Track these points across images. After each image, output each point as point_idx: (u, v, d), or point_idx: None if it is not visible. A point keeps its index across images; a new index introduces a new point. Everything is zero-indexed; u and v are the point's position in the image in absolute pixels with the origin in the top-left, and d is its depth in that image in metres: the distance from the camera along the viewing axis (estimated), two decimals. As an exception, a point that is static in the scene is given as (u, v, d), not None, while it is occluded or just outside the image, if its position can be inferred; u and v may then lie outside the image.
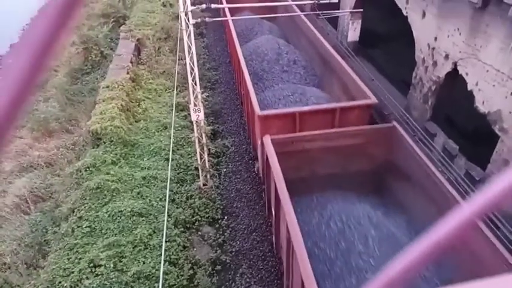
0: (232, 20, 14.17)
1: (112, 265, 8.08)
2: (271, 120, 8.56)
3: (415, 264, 0.40)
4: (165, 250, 8.23)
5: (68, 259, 8.30)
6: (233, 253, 9.46)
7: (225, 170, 12.02)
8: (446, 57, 10.00)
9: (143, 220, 9.22)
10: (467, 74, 9.26)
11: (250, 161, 12.16)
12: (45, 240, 9.20)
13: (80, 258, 8.27)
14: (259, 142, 8.63)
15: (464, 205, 0.39)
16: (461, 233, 0.39)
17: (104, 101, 12.18)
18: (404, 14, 11.76)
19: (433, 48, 10.55)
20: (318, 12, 14.38)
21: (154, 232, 9.00)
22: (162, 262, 7.52)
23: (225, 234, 9.92)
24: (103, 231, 8.88)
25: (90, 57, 16.38)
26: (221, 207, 10.68)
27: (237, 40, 12.59)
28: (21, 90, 0.38)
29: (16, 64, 0.38)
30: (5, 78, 0.38)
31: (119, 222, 9.05)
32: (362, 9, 14.33)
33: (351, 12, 14.80)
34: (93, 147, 11.20)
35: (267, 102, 10.66)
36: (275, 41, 14.05)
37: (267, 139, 7.75)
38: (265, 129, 8.32)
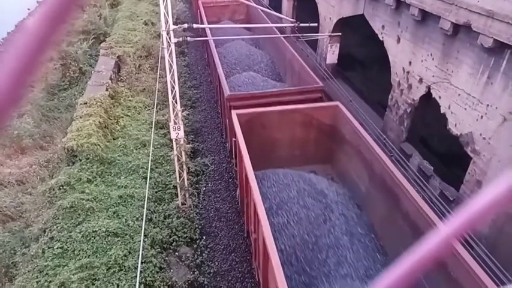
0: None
1: (84, 288, 7.74)
2: None
3: (403, 277, 0.40)
4: (141, 272, 7.97)
5: (37, 282, 7.89)
6: (211, 274, 9.26)
7: (204, 188, 11.88)
8: (420, 81, 10.40)
9: (118, 240, 8.93)
10: (440, 97, 9.63)
11: (230, 180, 12.09)
12: (12, 263, 8.74)
13: (50, 281, 7.88)
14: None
15: (442, 226, 0.41)
16: (440, 252, 0.40)
17: (81, 117, 11.94)
18: (381, 38, 12.23)
19: (408, 72, 10.96)
20: (298, 34, 14.76)
21: (129, 253, 8.71)
22: (138, 284, 7.28)
23: (203, 254, 9.72)
24: (76, 252, 8.53)
25: (68, 73, 16.13)
26: (200, 226, 10.50)
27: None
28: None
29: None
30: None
31: (92, 242, 8.73)
32: (340, 33, 14.83)
33: (329, 35, 15.27)
34: (68, 165, 10.88)
35: None
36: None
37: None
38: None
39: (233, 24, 19.03)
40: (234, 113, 8.88)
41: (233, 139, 9.19)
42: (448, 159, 10.84)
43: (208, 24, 16.02)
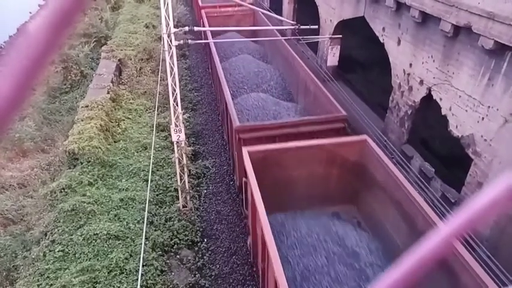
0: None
1: (85, 291, 7.74)
2: None
3: (404, 277, 0.40)
4: (142, 275, 7.96)
5: (38, 285, 7.89)
6: (212, 277, 9.24)
7: (205, 191, 11.88)
8: (421, 82, 10.40)
9: (120, 243, 8.93)
10: (441, 99, 9.63)
11: (231, 183, 12.08)
12: (14, 266, 8.74)
13: (51, 285, 7.88)
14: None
15: (442, 226, 0.41)
16: (441, 252, 0.40)
17: (82, 120, 11.97)
18: (381, 41, 12.24)
19: (409, 74, 10.96)
20: (298, 37, 14.80)
21: (131, 256, 8.71)
22: (139, 287, 7.26)
23: (205, 257, 9.71)
24: (77, 255, 8.53)
25: (69, 76, 16.18)
26: (201, 229, 10.49)
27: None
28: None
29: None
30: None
31: (94, 245, 8.73)
32: (341, 35, 14.84)
33: (330, 37, 15.29)
34: (70, 168, 10.89)
35: None
36: None
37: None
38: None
39: (237, 34, 17.88)
40: (245, 150, 7.71)
41: (243, 179, 8.11)
42: (449, 161, 10.82)
43: (211, 35, 15.11)
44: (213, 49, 13.49)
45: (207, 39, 14.65)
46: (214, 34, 16.05)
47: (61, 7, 0.41)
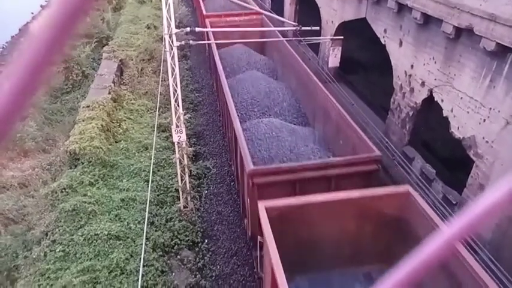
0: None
1: (85, 291, 7.74)
2: None
3: (406, 279, 0.40)
4: (142, 275, 7.96)
5: (39, 286, 7.90)
6: (213, 278, 9.23)
7: (206, 191, 11.88)
8: (423, 84, 10.39)
9: (120, 244, 8.93)
10: (442, 100, 9.62)
11: (232, 183, 12.08)
12: (14, 266, 8.75)
13: (52, 285, 7.88)
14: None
15: (444, 228, 0.40)
16: (443, 254, 0.40)
17: (83, 120, 11.98)
18: (383, 42, 12.23)
19: (410, 76, 10.95)
20: (300, 38, 14.80)
21: (131, 256, 8.71)
22: (139, 288, 7.27)
23: (205, 258, 9.70)
24: (77, 255, 8.53)
25: (71, 77, 16.22)
26: (201, 230, 10.49)
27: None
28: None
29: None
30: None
31: (94, 246, 8.74)
32: (342, 37, 14.85)
33: (331, 39, 15.30)
34: (71, 168, 10.91)
35: None
36: None
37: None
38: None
39: (244, 44, 16.55)
40: (261, 206, 6.42)
41: (258, 237, 7.00)
42: (451, 163, 10.80)
43: (216, 47, 14.01)
44: (219, 66, 12.22)
45: (211, 47, 14.07)
46: (218, 44, 14.53)
47: (66, 7, 0.40)
